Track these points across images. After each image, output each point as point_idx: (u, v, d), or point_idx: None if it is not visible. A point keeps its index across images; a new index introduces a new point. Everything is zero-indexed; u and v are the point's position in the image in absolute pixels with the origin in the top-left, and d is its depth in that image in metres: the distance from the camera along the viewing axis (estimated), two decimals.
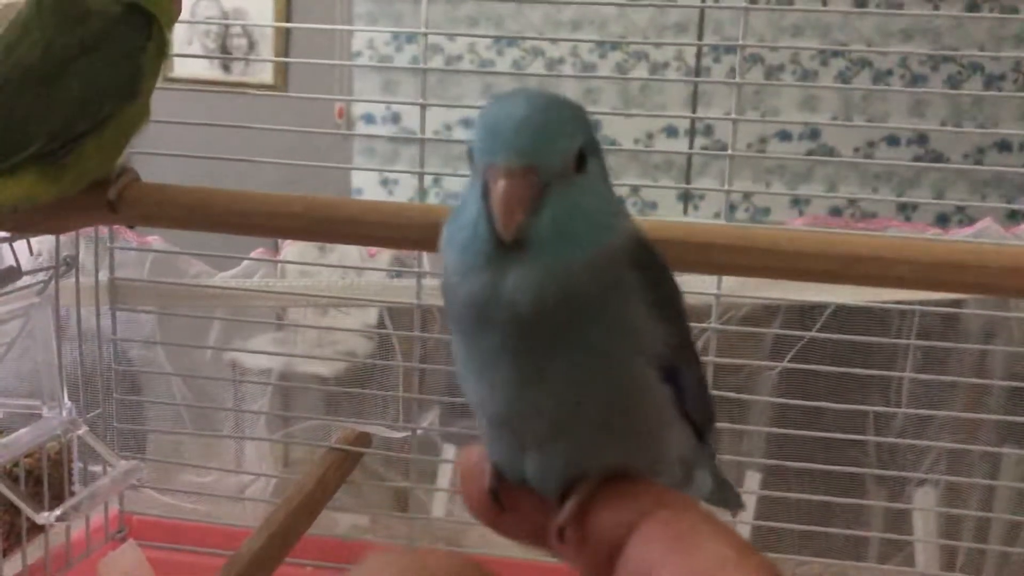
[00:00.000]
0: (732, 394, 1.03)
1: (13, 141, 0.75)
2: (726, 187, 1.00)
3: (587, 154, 0.38)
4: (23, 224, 0.83)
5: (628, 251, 0.37)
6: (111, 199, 0.82)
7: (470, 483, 0.40)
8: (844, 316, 1.06)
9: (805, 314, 1.10)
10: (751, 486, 1.16)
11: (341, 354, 1.61)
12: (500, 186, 0.35)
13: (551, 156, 0.36)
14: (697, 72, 3.28)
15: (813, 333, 1.05)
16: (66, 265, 1.03)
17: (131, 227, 1.02)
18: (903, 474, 1.12)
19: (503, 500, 0.39)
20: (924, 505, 1.21)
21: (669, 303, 0.39)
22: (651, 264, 0.38)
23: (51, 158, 0.76)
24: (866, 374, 1.01)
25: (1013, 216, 2.83)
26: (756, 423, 1.12)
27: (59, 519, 0.90)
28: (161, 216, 0.86)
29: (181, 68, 3.30)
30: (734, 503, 0.51)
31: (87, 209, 0.83)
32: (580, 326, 0.36)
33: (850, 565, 1.11)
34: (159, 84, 0.84)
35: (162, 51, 0.83)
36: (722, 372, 1.03)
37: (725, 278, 0.97)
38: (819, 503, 1.05)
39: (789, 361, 1.08)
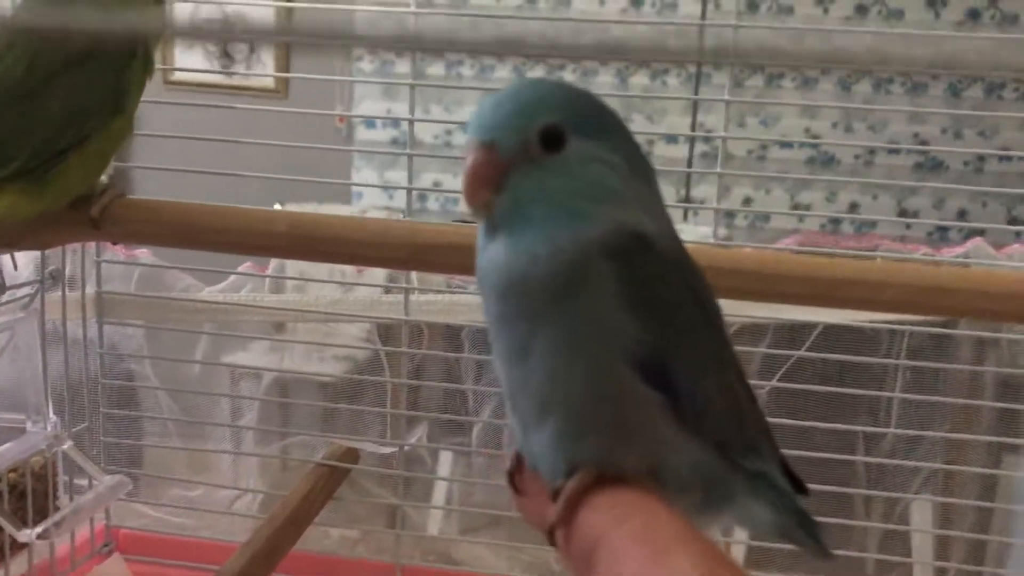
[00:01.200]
0: None
1: None
2: (718, 204, 1.00)
3: (569, 133, 0.37)
4: (5, 240, 0.83)
5: (606, 241, 0.37)
6: (94, 216, 0.81)
7: (502, 467, 0.42)
8: (833, 335, 1.05)
9: (794, 333, 1.10)
10: None
11: (339, 360, 1.60)
12: (465, 163, 0.37)
13: (509, 132, 0.37)
14: (698, 78, 3.27)
15: (802, 352, 1.04)
16: (52, 279, 1.02)
17: (115, 243, 1.01)
18: (893, 494, 1.11)
19: (517, 484, 0.41)
20: (921, 524, 1.20)
21: (654, 299, 0.38)
22: (632, 255, 0.38)
23: (33, 174, 0.76)
24: (856, 394, 1.00)
25: (1013, 223, 2.82)
26: None
27: (41, 536, 0.89)
28: (144, 233, 0.86)
29: (182, 72, 3.29)
30: (812, 547, 0.47)
31: (70, 225, 0.82)
32: (551, 311, 0.37)
33: None
34: (161, 88, 0.84)
35: (147, 67, 0.83)
36: None
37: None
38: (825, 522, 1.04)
39: (778, 380, 1.07)
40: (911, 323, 1.00)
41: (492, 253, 0.37)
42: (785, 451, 1.01)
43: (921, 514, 1.22)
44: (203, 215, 0.83)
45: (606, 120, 0.40)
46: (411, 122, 1.02)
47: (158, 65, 0.84)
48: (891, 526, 1.15)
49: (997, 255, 1.02)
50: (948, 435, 1.07)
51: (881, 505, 1.18)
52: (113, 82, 0.79)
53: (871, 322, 1.00)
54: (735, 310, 1.00)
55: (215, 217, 0.83)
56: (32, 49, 0.76)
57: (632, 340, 0.37)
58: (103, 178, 0.85)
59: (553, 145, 0.37)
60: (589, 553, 0.35)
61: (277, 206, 1.62)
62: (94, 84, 0.78)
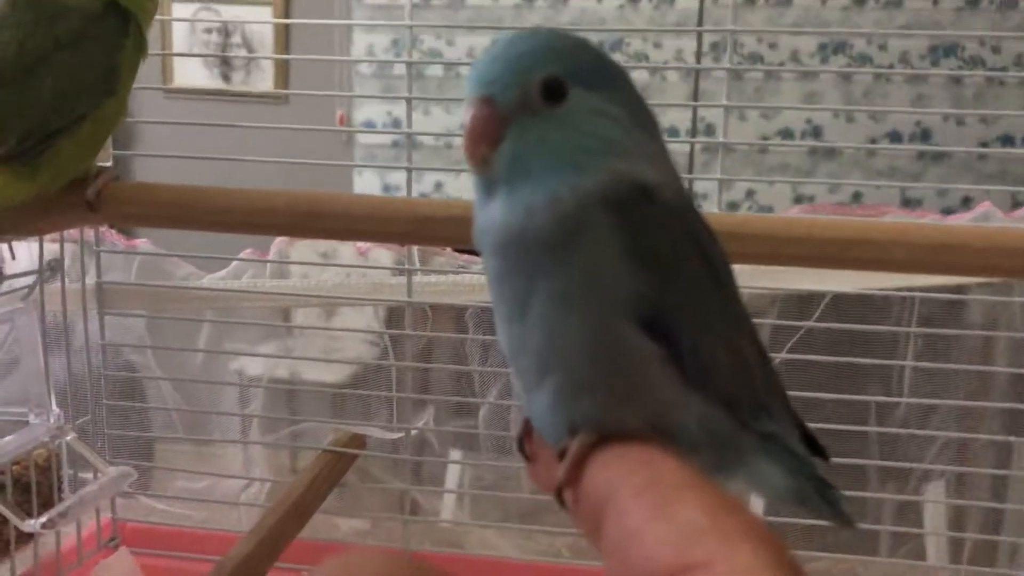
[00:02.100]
0: None
1: None
2: (719, 175, 0.98)
3: (569, 85, 0.36)
4: (0, 227, 0.82)
5: (606, 193, 0.36)
6: (90, 198, 0.81)
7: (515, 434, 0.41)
8: (842, 304, 1.03)
9: (802, 303, 1.08)
10: None
11: (345, 358, 1.59)
12: (465, 119, 0.36)
13: (507, 85, 0.36)
14: (696, 73, 3.27)
15: (811, 323, 1.02)
16: (51, 269, 1.01)
17: (112, 226, 1.01)
18: (907, 465, 1.09)
19: (527, 450, 0.40)
20: (934, 497, 1.19)
21: (658, 251, 0.37)
22: (635, 206, 0.36)
23: (25, 157, 0.75)
24: (866, 363, 0.98)
25: (1018, 207, 2.80)
26: None
27: (45, 526, 0.88)
28: (142, 215, 0.85)
29: (182, 79, 3.30)
30: (830, 513, 0.45)
31: (66, 209, 0.81)
32: (550, 266, 0.35)
33: (858, 560, 1.09)
34: (161, 95, 0.84)
35: (140, 48, 0.82)
36: None
37: None
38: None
39: (787, 352, 1.06)
40: (922, 289, 0.99)
41: (491, 210, 0.37)
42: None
43: (935, 488, 1.20)
44: (201, 195, 0.82)
45: (608, 70, 0.38)
46: (408, 135, 1.01)
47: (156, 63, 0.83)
48: (904, 497, 1.13)
49: (1006, 219, 1.01)
50: (962, 403, 1.05)
51: (895, 477, 1.16)
52: (105, 63, 0.78)
53: (881, 290, 0.99)
54: (742, 280, 0.98)
55: (213, 197, 0.82)
56: (23, 30, 0.76)
57: (631, 292, 0.36)
58: (99, 162, 0.85)
59: (554, 97, 0.36)
60: (598, 512, 0.33)
61: None
62: (86, 65, 0.77)
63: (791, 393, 1.00)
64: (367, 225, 0.79)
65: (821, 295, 1.04)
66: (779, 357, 1.00)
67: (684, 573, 0.28)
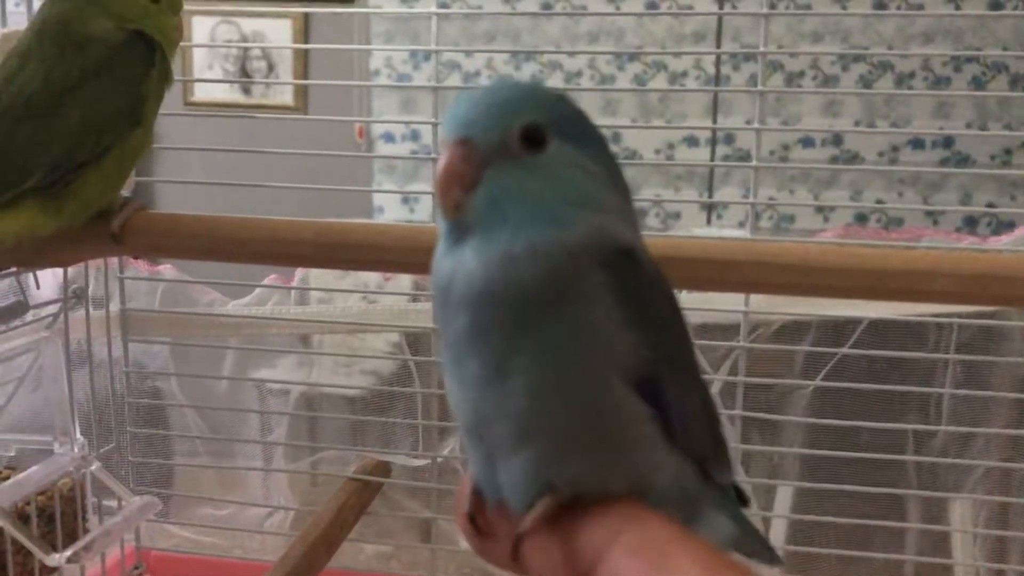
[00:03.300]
0: (763, 414, 0.99)
1: (13, 172, 0.73)
2: (751, 199, 0.97)
3: (550, 134, 0.35)
4: (26, 258, 0.81)
5: (593, 248, 0.35)
6: (114, 231, 0.80)
7: (456, 511, 0.38)
8: (879, 330, 1.01)
9: (838, 329, 1.06)
10: (783, 509, 1.12)
11: (365, 375, 1.58)
12: (439, 161, 0.34)
13: (487, 128, 0.34)
14: (716, 81, 3.25)
15: (847, 349, 1.00)
16: (75, 297, 1.01)
17: (137, 257, 1.00)
18: (944, 495, 1.07)
19: (480, 524, 0.37)
20: (962, 524, 1.16)
21: (648, 312, 0.36)
22: (625, 266, 0.36)
23: (52, 189, 0.74)
24: (904, 390, 0.96)
25: None
26: (789, 444, 1.08)
27: (70, 560, 0.87)
28: (167, 247, 0.84)
29: (201, 92, 3.31)
30: (767, 556, 0.46)
31: (91, 241, 0.80)
32: (536, 322, 0.34)
33: None
34: (181, 108, 0.83)
35: (165, 78, 0.81)
36: (753, 391, 0.99)
37: (753, 295, 0.93)
38: (857, 526, 1.01)
39: (822, 379, 1.04)
40: (959, 316, 0.97)
41: (460, 257, 0.34)
42: (831, 452, 0.98)
43: (961, 512, 1.18)
44: (226, 226, 0.81)
45: (587, 127, 0.37)
46: (434, 125, 1.00)
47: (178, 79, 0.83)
48: (929, 527, 1.10)
49: None
50: (1001, 432, 1.03)
51: (934, 506, 1.14)
52: (130, 93, 0.78)
53: (918, 316, 0.97)
54: (775, 307, 0.97)
55: (238, 228, 0.81)
56: (48, 63, 0.75)
57: (628, 354, 0.35)
58: (123, 192, 0.84)
59: (535, 144, 0.35)
60: (586, 571, 0.33)
61: None
62: (111, 96, 0.77)
63: (826, 421, 0.98)
64: (395, 256, 0.78)
65: (857, 321, 1.02)
66: (814, 384, 0.98)
67: None
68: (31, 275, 0.94)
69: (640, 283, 0.36)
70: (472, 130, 0.34)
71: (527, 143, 0.35)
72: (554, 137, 0.35)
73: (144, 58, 0.79)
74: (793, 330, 1.09)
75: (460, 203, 0.34)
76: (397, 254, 0.78)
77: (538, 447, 0.35)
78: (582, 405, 0.34)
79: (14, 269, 0.90)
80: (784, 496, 1.14)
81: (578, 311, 0.34)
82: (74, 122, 0.75)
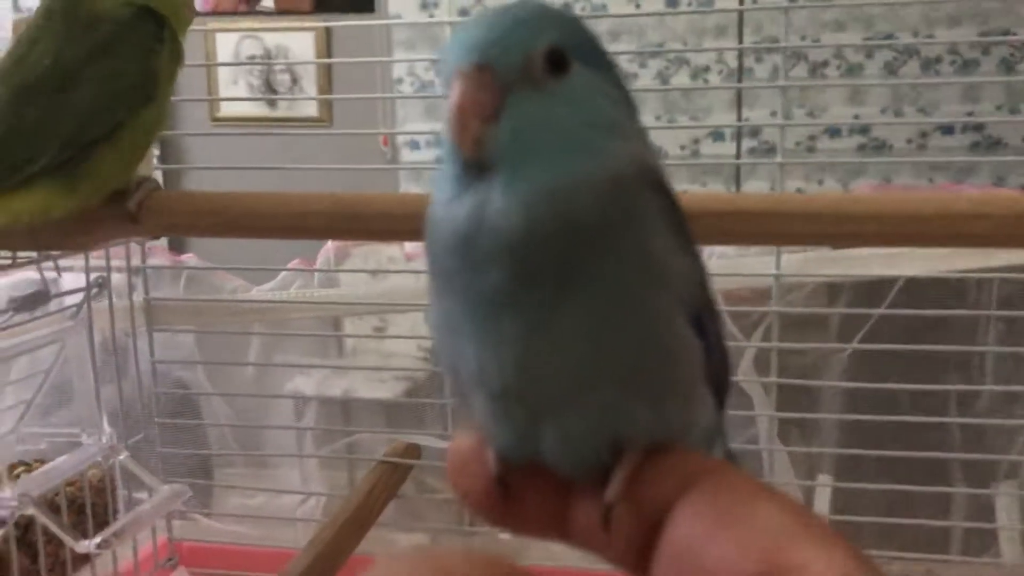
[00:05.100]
0: (799, 381, 0.96)
1: (26, 151, 0.72)
2: (778, 192, 0.94)
3: (571, 58, 0.32)
4: (43, 241, 0.81)
5: (635, 174, 0.32)
6: (131, 209, 0.79)
7: (466, 473, 0.33)
8: (916, 289, 0.98)
9: (873, 290, 1.02)
10: (824, 479, 1.08)
11: (396, 369, 1.56)
12: (451, 94, 0.30)
13: (508, 51, 0.31)
14: (740, 74, 3.23)
15: (883, 310, 0.97)
16: (98, 287, 1.01)
17: (155, 237, 0.99)
18: (989, 457, 1.03)
19: (512, 487, 0.33)
20: (1010, 492, 1.12)
21: (690, 237, 0.34)
22: (667, 191, 0.33)
23: (66, 168, 0.74)
24: (944, 351, 0.93)
25: None
26: (826, 410, 1.05)
27: (100, 547, 0.87)
28: (185, 224, 0.83)
29: (227, 108, 3.34)
30: None
31: (108, 221, 0.80)
32: (591, 258, 0.30)
33: (938, 560, 1.03)
34: (208, 125, 0.83)
35: (176, 55, 0.81)
36: (786, 357, 0.96)
37: (784, 256, 0.90)
38: (899, 494, 0.97)
39: (859, 342, 1.00)
40: (1000, 270, 0.93)
41: (488, 200, 0.30)
42: (871, 417, 0.95)
43: (1007, 481, 1.14)
44: (243, 201, 0.80)
45: (603, 51, 0.34)
46: None
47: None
48: (981, 491, 1.06)
49: None
50: None
51: (981, 470, 1.10)
52: (141, 70, 0.77)
53: (957, 272, 0.94)
54: (808, 269, 0.94)
55: (256, 202, 0.80)
56: (57, 41, 0.75)
57: (684, 283, 0.33)
58: (140, 171, 0.83)
59: (558, 69, 0.32)
60: (649, 529, 0.30)
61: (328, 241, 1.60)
62: (121, 72, 0.77)
63: (865, 385, 0.95)
64: (414, 224, 0.76)
65: (892, 280, 0.99)
66: (850, 347, 0.95)
67: None
68: (53, 265, 0.94)
69: (679, 207, 0.34)
70: (490, 55, 0.31)
71: (550, 68, 0.32)
72: (574, 61, 0.32)
73: (153, 34, 0.78)
74: (827, 292, 1.06)
75: (480, 138, 0.30)
76: (416, 222, 0.76)
77: (602, 396, 0.32)
78: (648, 343, 0.32)
79: (35, 255, 0.90)
80: (825, 466, 1.11)
81: (634, 241, 0.31)
82: (85, 99, 0.74)
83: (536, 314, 0.31)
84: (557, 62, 0.32)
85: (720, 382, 0.37)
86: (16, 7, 0.87)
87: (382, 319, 1.59)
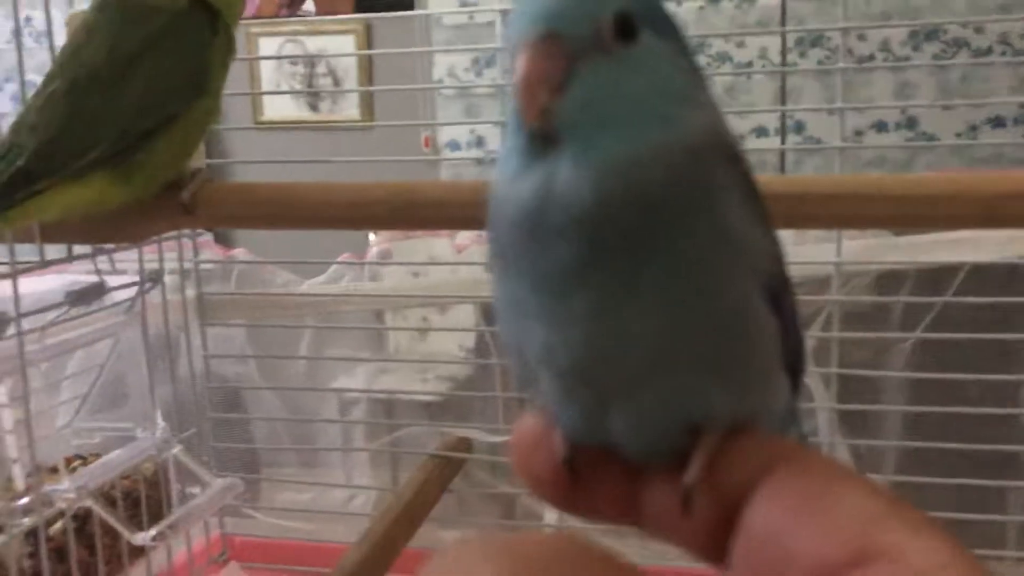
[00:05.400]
0: (861, 371, 0.93)
1: (81, 143, 0.73)
2: None
3: (640, 25, 0.31)
4: (97, 233, 0.81)
5: (711, 145, 0.31)
6: (185, 200, 0.79)
7: (532, 456, 0.32)
8: (982, 276, 0.95)
9: (938, 277, 0.99)
10: (886, 471, 1.05)
11: (444, 371, 1.56)
12: (518, 65, 0.29)
13: (576, 19, 0.30)
14: (783, 65, 3.19)
15: (948, 298, 0.94)
16: (151, 281, 1.01)
17: (209, 229, 1.00)
18: None
19: (580, 471, 0.32)
20: None
21: (764, 210, 0.32)
22: (740, 159, 0.32)
23: (120, 159, 0.74)
24: (1012, 339, 0.90)
25: None
26: (890, 401, 1.02)
27: (155, 539, 0.87)
28: (239, 215, 0.83)
29: (271, 111, 3.37)
30: None
31: (162, 212, 0.80)
32: (668, 233, 0.29)
33: (1010, 556, 1.00)
34: (251, 126, 0.83)
35: (229, 47, 0.81)
36: (848, 347, 0.93)
37: (845, 244, 0.88)
38: (967, 487, 0.94)
39: (923, 331, 0.97)
40: None
41: (557, 173, 0.29)
42: (937, 408, 0.93)
43: None
44: (297, 191, 0.79)
45: (669, 18, 0.33)
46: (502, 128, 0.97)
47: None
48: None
49: None
50: None
51: None
52: (194, 61, 0.78)
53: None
54: (869, 256, 0.91)
55: (309, 193, 0.79)
56: (112, 34, 0.75)
57: (762, 258, 0.31)
58: (193, 164, 0.83)
59: (627, 35, 0.30)
60: (728, 516, 0.29)
61: (372, 236, 1.61)
62: (175, 64, 0.77)
63: (931, 375, 0.92)
64: (468, 212, 0.75)
65: (958, 266, 0.96)
66: (914, 337, 0.93)
67: (864, 564, 0.24)
68: (108, 259, 0.95)
69: (754, 179, 0.32)
70: (558, 22, 0.30)
71: (619, 35, 0.31)
72: (644, 28, 0.31)
73: (206, 25, 0.78)
74: (889, 280, 1.03)
75: (548, 108, 0.29)
76: (470, 209, 0.75)
77: (678, 377, 0.31)
78: (727, 321, 0.30)
79: (90, 250, 0.91)
80: (887, 458, 1.08)
81: (711, 214, 0.30)
82: (138, 91, 0.75)
83: (608, 291, 0.29)
84: (626, 29, 0.30)
85: (795, 363, 0.35)
86: (71, 3, 0.88)
87: (425, 318, 1.59)
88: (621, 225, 0.29)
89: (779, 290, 0.32)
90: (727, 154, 0.31)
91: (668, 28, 0.33)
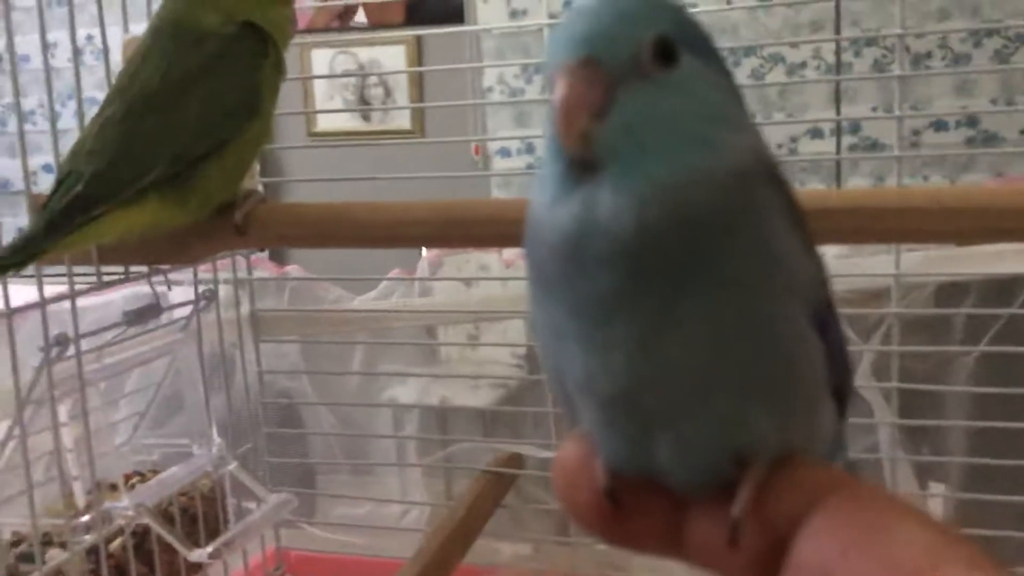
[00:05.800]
0: (923, 386, 0.91)
1: (136, 167, 0.74)
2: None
3: (680, 48, 0.30)
4: (152, 254, 0.82)
5: (754, 169, 0.30)
6: (238, 222, 0.80)
7: (574, 486, 0.32)
8: None
9: (1002, 288, 0.96)
10: (950, 487, 1.03)
11: (492, 380, 1.56)
12: (557, 90, 0.29)
13: (616, 43, 0.29)
14: (838, 67, 3.14)
15: (1013, 310, 0.91)
16: (206, 299, 1.02)
17: (261, 249, 1.01)
18: None
19: (623, 501, 0.31)
20: None
21: (808, 233, 0.31)
22: (783, 183, 0.31)
23: (174, 182, 0.75)
24: None
25: None
26: (952, 417, 0.99)
27: (212, 556, 0.88)
28: (290, 235, 0.84)
29: (324, 123, 3.42)
30: None
31: (215, 234, 0.81)
32: (712, 258, 0.28)
33: None
34: (304, 139, 0.83)
35: (279, 69, 0.82)
36: (909, 361, 0.91)
37: (904, 255, 0.86)
38: (1006, 505, 0.91)
39: (986, 343, 0.95)
40: None
41: (597, 199, 0.28)
42: (1001, 424, 0.90)
43: None
44: (344, 211, 0.80)
45: (709, 40, 0.32)
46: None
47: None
48: None
49: None
50: None
51: None
52: (246, 85, 0.78)
53: None
54: (930, 268, 0.89)
55: (358, 212, 0.80)
56: (166, 59, 0.76)
57: (808, 283, 0.31)
58: (245, 184, 0.84)
59: (667, 59, 0.30)
60: (775, 547, 0.28)
61: (423, 250, 1.61)
62: (227, 88, 0.78)
63: (993, 390, 0.89)
64: (509, 229, 0.75)
65: (1022, 278, 0.93)
66: (977, 350, 0.90)
67: None
68: (164, 279, 0.96)
69: (797, 202, 0.32)
70: (597, 47, 0.29)
71: (659, 58, 0.30)
72: (684, 51, 0.31)
73: (256, 49, 0.79)
74: (950, 292, 1.00)
75: (587, 134, 0.29)
76: (515, 227, 0.75)
77: (723, 405, 0.30)
78: (773, 348, 0.30)
79: (146, 270, 0.92)
80: (950, 475, 1.05)
81: (756, 239, 0.29)
82: (192, 115, 0.76)
83: (651, 318, 0.29)
84: (666, 53, 0.30)
85: (842, 389, 0.34)
86: (126, 28, 0.90)
87: (476, 327, 1.59)
88: (664, 251, 0.28)
89: (824, 314, 0.32)
90: (770, 177, 0.31)
91: (708, 50, 0.32)
